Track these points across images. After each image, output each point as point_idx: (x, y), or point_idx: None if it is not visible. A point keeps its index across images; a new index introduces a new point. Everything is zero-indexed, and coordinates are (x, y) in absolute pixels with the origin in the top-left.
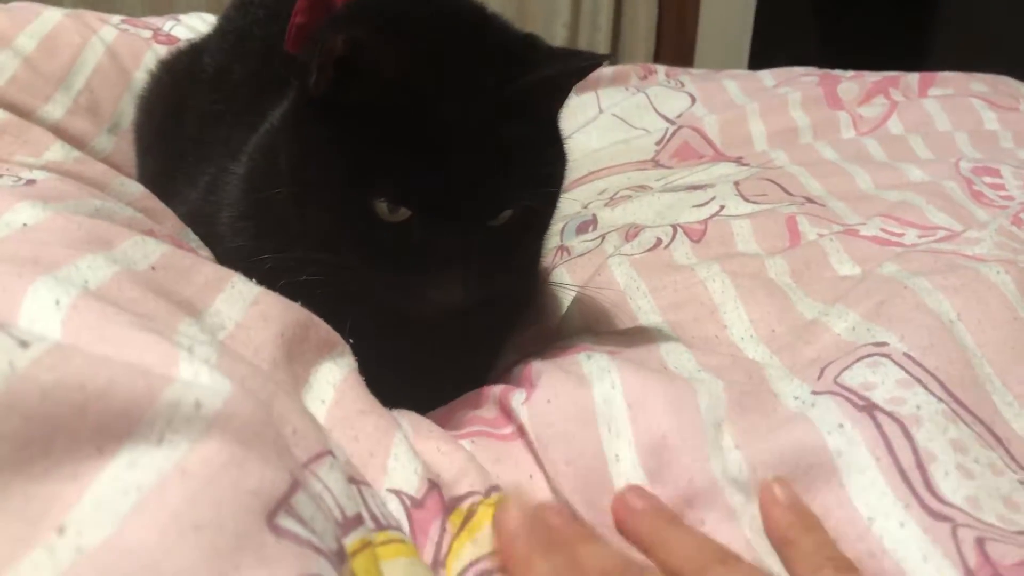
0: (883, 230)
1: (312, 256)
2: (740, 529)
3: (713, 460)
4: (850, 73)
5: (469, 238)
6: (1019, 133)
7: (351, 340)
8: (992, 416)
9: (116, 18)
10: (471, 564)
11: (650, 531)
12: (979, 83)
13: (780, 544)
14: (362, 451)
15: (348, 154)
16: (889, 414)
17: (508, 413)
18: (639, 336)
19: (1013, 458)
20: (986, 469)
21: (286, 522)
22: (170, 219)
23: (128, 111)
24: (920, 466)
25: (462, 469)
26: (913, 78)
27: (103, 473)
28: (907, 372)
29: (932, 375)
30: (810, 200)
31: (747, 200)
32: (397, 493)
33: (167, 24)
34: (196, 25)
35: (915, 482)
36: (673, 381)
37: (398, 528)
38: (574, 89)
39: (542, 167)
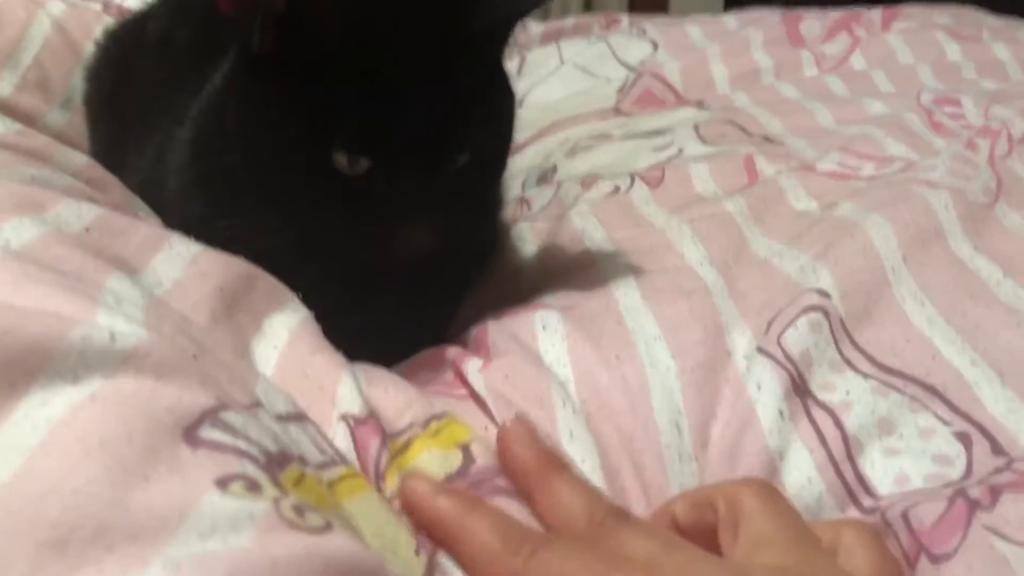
0: (840, 164)
1: (269, 220)
2: None
3: (670, 468)
4: (813, 11)
5: (430, 183)
6: (982, 64)
7: (310, 299)
8: (928, 366)
9: None
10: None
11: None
12: (943, 15)
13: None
14: (311, 387)
15: (301, 111)
16: (821, 404)
17: (463, 378)
18: (597, 288)
19: (951, 406)
20: (914, 438)
21: (209, 433)
22: (117, 188)
23: (81, 86)
24: (851, 458)
25: (406, 402)
26: (876, 13)
27: (14, 413)
28: (840, 351)
29: (862, 351)
30: (768, 139)
31: (706, 143)
32: (345, 417)
33: None
34: None
35: (848, 475)
36: (626, 378)
37: (350, 463)
38: (536, 41)
39: (494, 107)
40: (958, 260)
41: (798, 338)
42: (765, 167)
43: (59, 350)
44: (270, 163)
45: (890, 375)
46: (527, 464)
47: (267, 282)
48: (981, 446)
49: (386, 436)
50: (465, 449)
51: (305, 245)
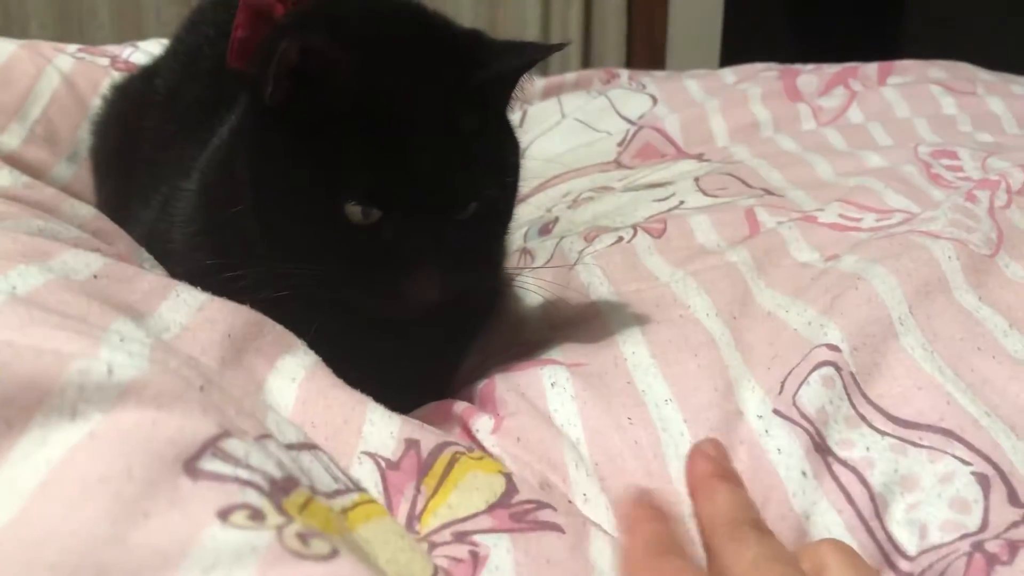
0: (841, 215)
1: (278, 269)
2: None
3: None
4: (810, 66)
5: (440, 233)
6: (977, 116)
7: (315, 350)
8: (943, 412)
9: (72, 47)
10: (445, 526)
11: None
12: (937, 69)
13: (696, 494)
14: (335, 419)
15: (312, 162)
16: (843, 462)
17: (470, 434)
18: (604, 342)
19: (969, 446)
20: (933, 486)
21: (210, 464)
22: (123, 240)
23: (87, 139)
24: (878, 516)
25: (441, 436)
26: (872, 68)
27: (13, 452)
28: (854, 407)
29: (876, 406)
30: (769, 192)
31: (707, 195)
32: (372, 456)
33: (125, 51)
34: (154, 51)
35: (878, 533)
36: (639, 442)
37: (364, 490)
38: (537, 95)
39: (501, 156)
40: (964, 311)
41: (812, 395)
42: (766, 219)
43: (56, 386)
44: (280, 213)
45: (906, 428)
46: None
47: (275, 329)
48: (999, 493)
49: (421, 475)
50: (508, 477)
51: (313, 295)
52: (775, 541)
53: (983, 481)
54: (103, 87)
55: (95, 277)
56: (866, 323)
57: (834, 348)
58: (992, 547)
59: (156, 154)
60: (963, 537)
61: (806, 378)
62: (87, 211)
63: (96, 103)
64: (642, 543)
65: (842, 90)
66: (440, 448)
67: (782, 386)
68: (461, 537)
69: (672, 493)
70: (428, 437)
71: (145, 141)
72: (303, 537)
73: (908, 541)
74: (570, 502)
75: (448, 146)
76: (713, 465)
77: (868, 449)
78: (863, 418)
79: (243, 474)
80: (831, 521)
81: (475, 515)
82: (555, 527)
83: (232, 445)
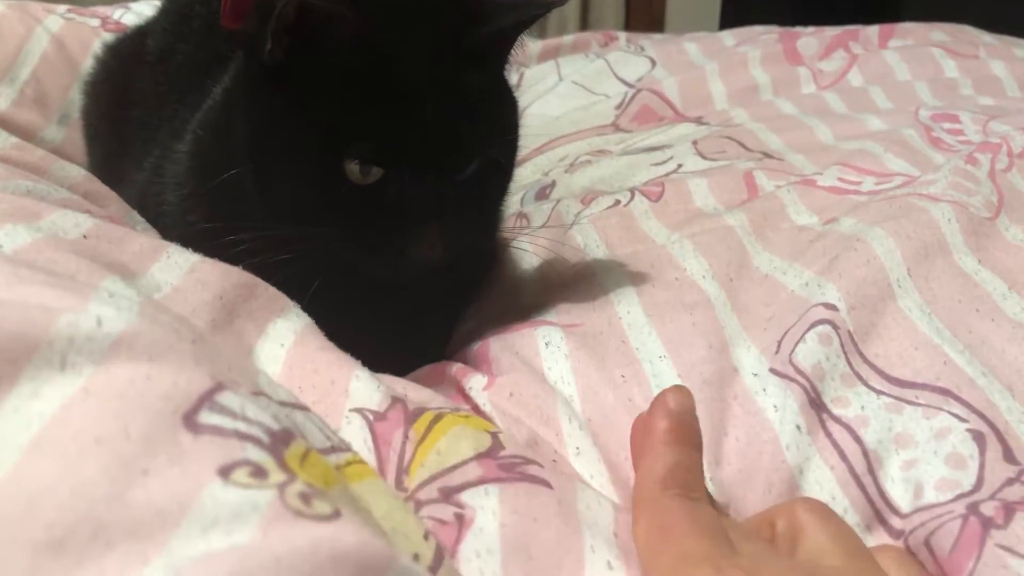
0: (841, 179)
1: (276, 232)
2: None
3: None
4: (810, 29)
5: (443, 192)
6: (979, 80)
7: (310, 312)
8: (939, 371)
9: (62, 7)
10: (433, 477)
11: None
12: (939, 32)
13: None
14: (323, 381)
15: (313, 120)
16: (837, 419)
17: (464, 394)
18: (599, 304)
19: (966, 404)
20: (929, 442)
21: (209, 417)
22: (114, 202)
23: (78, 101)
24: (872, 472)
25: (428, 395)
26: (873, 30)
27: (4, 406)
28: (850, 364)
29: (872, 365)
30: (768, 155)
31: (705, 158)
32: (360, 411)
33: (116, 12)
34: (145, 12)
35: (870, 489)
36: (632, 398)
37: (355, 452)
38: (534, 58)
39: (501, 115)
40: (962, 273)
41: (808, 352)
42: (765, 182)
43: (45, 338)
44: (279, 174)
45: (902, 387)
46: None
47: (267, 291)
48: (994, 451)
49: (408, 424)
50: (494, 436)
51: (310, 258)
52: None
53: (979, 438)
54: (94, 48)
55: (85, 237)
56: (864, 283)
57: (831, 307)
58: (987, 509)
59: (148, 115)
60: (958, 497)
61: (803, 336)
62: (77, 173)
63: (87, 64)
64: (662, 474)
65: (842, 53)
66: (424, 407)
67: (778, 345)
68: (448, 495)
69: None
70: (414, 395)
71: (137, 102)
72: (305, 497)
73: (901, 498)
74: (555, 461)
75: (451, 102)
76: (667, 423)
77: (863, 408)
78: (859, 377)
79: (242, 427)
80: (823, 476)
81: (464, 463)
82: (543, 482)
83: (227, 398)
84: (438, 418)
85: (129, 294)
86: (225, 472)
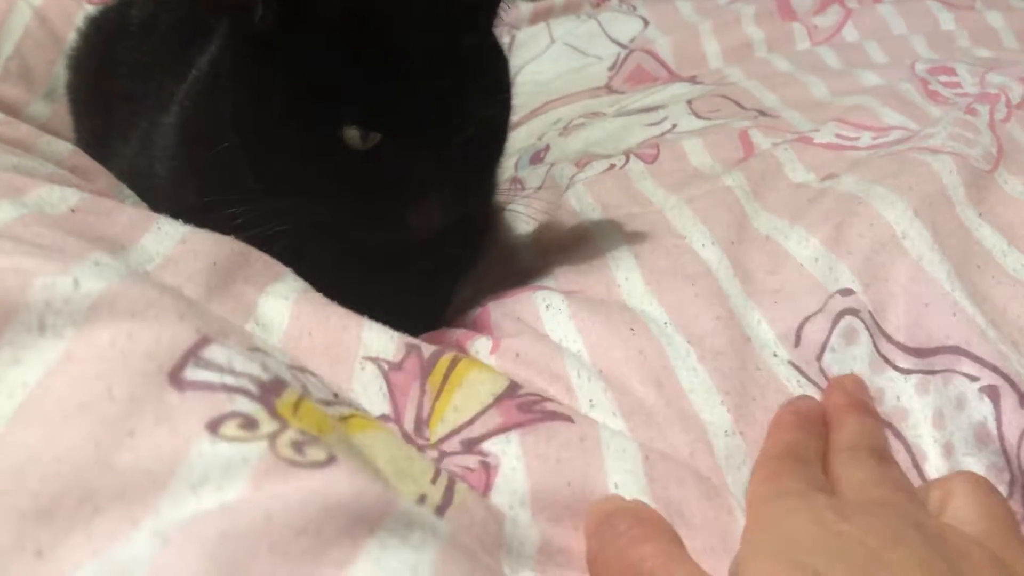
0: (837, 135)
1: (271, 204)
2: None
3: (713, 436)
4: None
5: (440, 156)
6: (976, 31)
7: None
8: (949, 327)
9: None
10: (454, 432)
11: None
12: None
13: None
14: (335, 327)
15: (306, 87)
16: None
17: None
18: (597, 270)
19: (976, 359)
20: (957, 418)
21: (195, 373)
22: (103, 176)
23: (64, 75)
24: (916, 466)
25: (439, 345)
26: None
27: None
28: (876, 349)
29: (895, 342)
30: (763, 113)
31: (699, 117)
32: (374, 360)
33: None
34: None
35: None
36: (644, 351)
37: (364, 411)
38: (525, 20)
39: (494, 75)
40: (963, 227)
41: (837, 357)
42: (761, 140)
43: (22, 302)
44: (273, 145)
45: (922, 358)
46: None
47: (262, 258)
48: (1010, 400)
49: (425, 375)
50: (509, 380)
51: (306, 228)
52: (891, 468)
53: (992, 394)
54: (78, 20)
55: (72, 211)
56: (872, 253)
57: (848, 292)
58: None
59: (133, 87)
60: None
61: (829, 338)
62: (64, 147)
63: (72, 37)
64: (780, 448)
65: (837, 8)
66: (440, 352)
67: (798, 337)
68: (470, 446)
69: (687, 404)
70: (426, 345)
71: (121, 75)
72: (298, 445)
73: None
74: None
75: (447, 64)
76: (847, 397)
77: (898, 399)
78: (887, 360)
79: (230, 380)
80: None
81: (483, 412)
82: (564, 417)
83: (214, 351)
84: (453, 365)
85: (117, 266)
86: (214, 427)
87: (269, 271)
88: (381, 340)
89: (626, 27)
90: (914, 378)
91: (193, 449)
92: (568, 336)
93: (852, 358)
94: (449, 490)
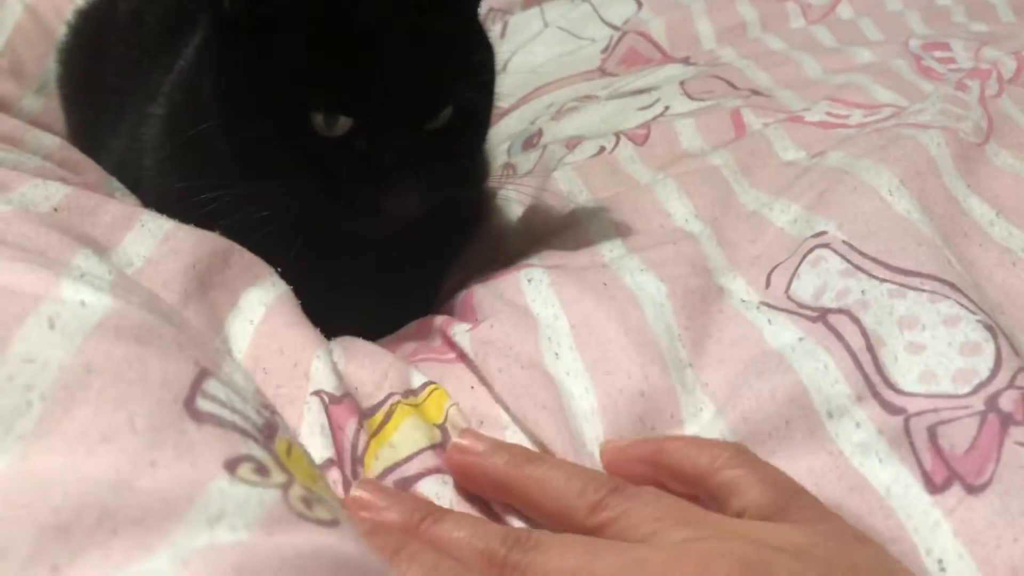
0: (828, 113)
1: (251, 190)
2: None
3: (672, 369)
4: None
5: (414, 142)
6: (972, 6)
7: (292, 274)
8: (944, 267)
9: None
10: (388, 469)
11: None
12: None
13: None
14: (286, 362)
15: (276, 72)
16: (838, 310)
17: (450, 342)
18: (583, 247)
19: (972, 301)
20: (938, 327)
21: (204, 405)
22: (92, 170)
23: (55, 69)
24: (870, 349)
25: (383, 374)
26: None
27: None
28: (848, 261)
29: (874, 259)
30: (756, 92)
31: (692, 98)
32: (318, 393)
33: None
34: None
35: (867, 366)
36: (615, 297)
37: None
38: (518, 5)
39: (473, 60)
40: (952, 197)
41: (804, 283)
42: (752, 120)
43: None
44: (248, 130)
45: (906, 276)
46: (496, 468)
47: (243, 257)
48: (1004, 340)
49: (363, 416)
50: (443, 429)
51: (286, 217)
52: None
53: (990, 329)
54: (68, 14)
55: (55, 210)
56: (856, 205)
57: (822, 234)
58: (1006, 403)
59: (121, 80)
60: (977, 388)
61: (796, 271)
62: (52, 141)
63: (63, 32)
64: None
65: None
66: (379, 405)
67: (768, 279)
68: (405, 486)
69: (653, 345)
70: (366, 394)
71: (110, 67)
72: (307, 501)
73: (903, 376)
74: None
75: (415, 48)
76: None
77: (863, 292)
78: (859, 268)
79: (238, 420)
80: (814, 350)
81: (420, 452)
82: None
83: (214, 386)
84: (390, 414)
85: (101, 272)
86: (231, 466)
87: (247, 274)
88: (326, 372)
89: (619, 9)
90: (888, 285)
91: (212, 485)
92: (547, 301)
93: (816, 275)
94: None
